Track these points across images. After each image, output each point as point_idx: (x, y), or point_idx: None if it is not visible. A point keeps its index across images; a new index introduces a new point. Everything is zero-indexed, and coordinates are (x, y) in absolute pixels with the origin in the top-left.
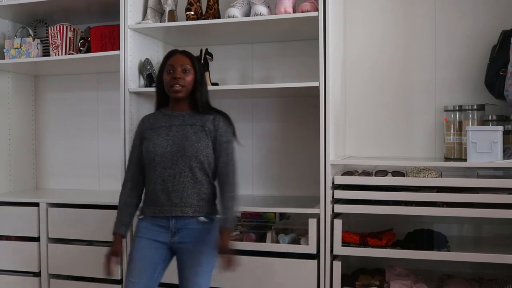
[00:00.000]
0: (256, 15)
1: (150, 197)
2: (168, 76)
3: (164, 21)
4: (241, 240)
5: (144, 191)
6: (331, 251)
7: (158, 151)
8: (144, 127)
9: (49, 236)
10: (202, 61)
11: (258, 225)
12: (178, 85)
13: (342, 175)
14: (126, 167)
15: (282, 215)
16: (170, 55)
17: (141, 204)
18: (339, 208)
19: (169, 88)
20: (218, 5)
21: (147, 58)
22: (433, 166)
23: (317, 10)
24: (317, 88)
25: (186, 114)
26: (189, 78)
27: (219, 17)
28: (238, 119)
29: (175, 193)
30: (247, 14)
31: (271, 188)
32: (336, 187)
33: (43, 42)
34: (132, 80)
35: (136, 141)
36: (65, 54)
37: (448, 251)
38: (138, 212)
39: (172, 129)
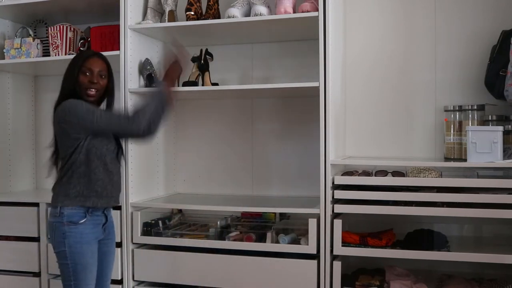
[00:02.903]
0: (256, 15)
1: None
2: (86, 78)
3: (164, 21)
4: (241, 240)
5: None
6: (331, 251)
7: None
8: None
9: (49, 236)
10: (202, 61)
11: (258, 225)
12: (93, 90)
13: (342, 175)
14: None
15: (282, 215)
16: (87, 57)
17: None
18: (339, 208)
19: (84, 90)
20: (218, 5)
21: (147, 58)
22: (433, 166)
23: (317, 10)
24: (317, 88)
25: None
26: (104, 83)
27: (219, 17)
28: (238, 119)
29: None
30: (247, 14)
31: (271, 188)
32: (336, 187)
33: (43, 42)
34: (132, 80)
35: None
36: (65, 54)
37: (448, 251)
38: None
39: None
